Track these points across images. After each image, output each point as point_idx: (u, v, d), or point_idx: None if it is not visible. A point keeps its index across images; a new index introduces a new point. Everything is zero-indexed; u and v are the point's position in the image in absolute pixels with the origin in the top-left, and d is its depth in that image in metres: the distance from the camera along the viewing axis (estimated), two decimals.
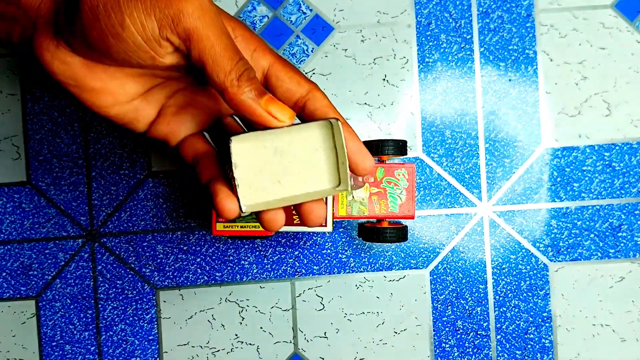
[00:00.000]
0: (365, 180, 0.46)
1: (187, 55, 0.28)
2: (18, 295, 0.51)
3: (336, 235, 0.50)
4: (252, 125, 0.33)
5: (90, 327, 0.51)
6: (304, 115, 0.33)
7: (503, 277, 0.50)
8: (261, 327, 0.51)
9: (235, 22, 0.32)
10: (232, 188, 0.31)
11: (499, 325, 0.50)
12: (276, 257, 0.51)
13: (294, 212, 0.45)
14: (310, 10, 0.51)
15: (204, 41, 0.27)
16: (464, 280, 0.50)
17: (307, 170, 0.31)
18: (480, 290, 0.50)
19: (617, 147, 0.50)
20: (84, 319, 0.51)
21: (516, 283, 0.50)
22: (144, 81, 0.32)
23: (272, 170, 0.31)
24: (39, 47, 0.30)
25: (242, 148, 0.30)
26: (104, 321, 0.51)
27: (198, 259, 0.51)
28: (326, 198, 0.45)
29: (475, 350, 0.50)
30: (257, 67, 0.32)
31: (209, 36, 0.27)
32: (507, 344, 0.50)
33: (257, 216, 0.32)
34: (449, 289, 0.50)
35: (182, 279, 0.51)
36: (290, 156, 0.31)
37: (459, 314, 0.50)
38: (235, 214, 0.31)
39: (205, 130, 0.35)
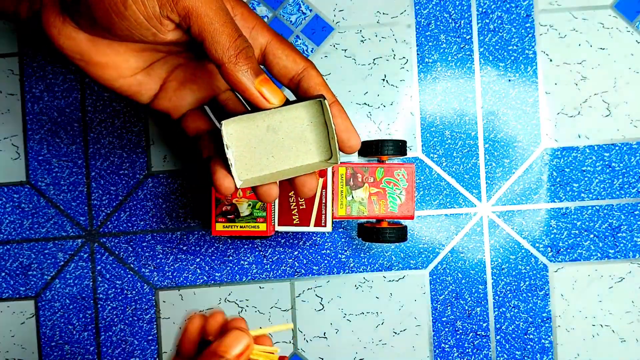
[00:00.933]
0: (365, 180, 0.46)
1: (187, 32, 0.29)
2: (17, 296, 0.51)
3: (336, 236, 0.50)
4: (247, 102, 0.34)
5: (90, 327, 0.51)
6: (299, 91, 0.34)
7: (503, 277, 0.50)
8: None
9: (235, 1, 0.32)
10: (228, 166, 0.32)
11: (498, 325, 0.50)
12: (276, 257, 0.51)
13: (293, 212, 0.45)
14: (310, 10, 0.51)
15: (203, 18, 0.28)
16: (463, 281, 0.50)
17: (299, 145, 0.33)
18: (480, 290, 0.50)
19: (616, 148, 0.50)
20: (83, 319, 0.51)
21: (516, 283, 0.50)
22: (146, 56, 0.33)
23: (265, 146, 0.32)
24: (46, 22, 0.31)
25: (234, 129, 0.31)
26: (103, 321, 0.51)
27: (197, 259, 0.51)
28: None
29: (474, 351, 0.50)
30: (255, 44, 0.33)
31: (207, 13, 0.28)
32: (507, 345, 0.50)
33: (253, 190, 0.33)
34: (449, 289, 0.50)
35: (181, 279, 0.51)
36: (282, 133, 0.32)
37: (458, 314, 0.50)
38: (231, 190, 0.33)
39: (206, 104, 0.36)
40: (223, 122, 0.30)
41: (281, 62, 0.33)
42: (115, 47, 0.32)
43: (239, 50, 0.29)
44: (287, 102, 0.31)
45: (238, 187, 0.32)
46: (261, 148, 0.32)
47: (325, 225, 0.45)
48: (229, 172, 0.32)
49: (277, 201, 0.45)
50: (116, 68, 0.33)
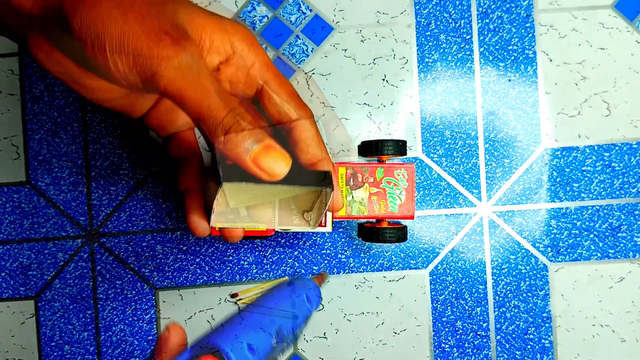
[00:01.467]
0: (365, 180, 0.46)
1: None
2: (17, 296, 0.51)
3: (336, 236, 0.50)
4: None
5: (90, 327, 0.51)
6: (289, 139, 0.32)
7: (503, 277, 0.50)
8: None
9: (236, 35, 0.30)
10: (207, 206, 0.32)
11: (498, 325, 0.50)
12: (275, 257, 0.51)
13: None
14: (310, 10, 0.51)
15: (186, 101, 0.26)
16: (463, 281, 0.50)
17: (281, 205, 0.33)
18: (480, 290, 0.50)
19: (616, 148, 0.50)
20: (83, 319, 0.51)
21: (516, 283, 0.50)
22: None
23: (247, 202, 0.32)
24: (33, 46, 0.29)
25: (228, 187, 0.29)
26: (103, 321, 0.51)
27: (197, 259, 0.51)
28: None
29: (475, 351, 0.50)
30: (252, 83, 0.31)
31: (190, 97, 0.26)
32: (507, 345, 0.50)
33: (219, 228, 0.33)
34: (449, 289, 0.50)
35: (181, 279, 0.51)
36: (270, 199, 0.32)
37: (458, 314, 0.50)
38: (206, 234, 0.32)
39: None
40: (224, 184, 0.28)
41: (275, 107, 0.31)
42: None
43: (227, 129, 0.26)
44: (292, 173, 0.29)
45: (211, 225, 0.32)
46: (244, 204, 0.32)
47: (325, 225, 0.45)
48: (206, 214, 0.31)
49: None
50: (109, 91, 0.31)
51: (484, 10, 0.50)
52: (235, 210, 0.32)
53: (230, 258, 0.51)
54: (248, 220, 0.32)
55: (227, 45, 0.30)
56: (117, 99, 0.32)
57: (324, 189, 0.30)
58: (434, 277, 0.50)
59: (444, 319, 0.50)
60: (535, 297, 0.50)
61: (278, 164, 0.27)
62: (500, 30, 0.50)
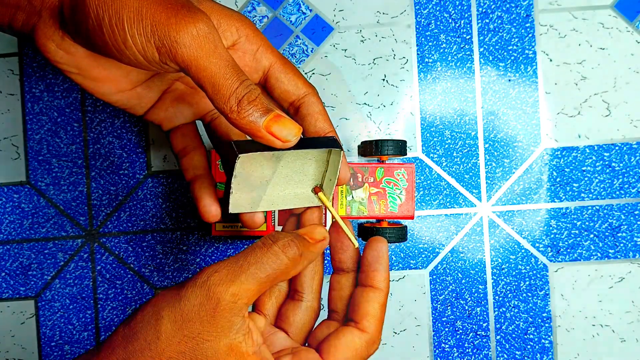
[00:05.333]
0: (365, 180, 0.46)
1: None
2: (17, 296, 0.51)
3: None
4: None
5: (90, 327, 0.51)
6: (297, 116, 0.33)
7: (503, 277, 0.50)
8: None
9: (240, 22, 0.32)
10: (226, 190, 0.32)
11: (498, 325, 0.50)
12: None
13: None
14: (310, 10, 0.51)
15: (201, 71, 0.27)
16: (463, 281, 0.50)
17: (296, 175, 0.33)
18: (480, 290, 0.50)
19: (616, 148, 0.50)
20: (83, 319, 0.51)
21: (516, 283, 0.50)
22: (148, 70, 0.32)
23: (265, 177, 0.32)
24: (42, 36, 0.29)
25: (244, 161, 0.30)
26: (103, 321, 0.51)
27: (197, 259, 0.51)
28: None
29: (474, 351, 0.50)
30: (258, 66, 0.32)
31: (206, 66, 0.27)
32: (507, 345, 0.50)
33: (238, 216, 0.33)
34: (449, 289, 0.50)
35: (181, 279, 0.51)
36: (286, 166, 0.32)
37: (458, 314, 0.50)
38: (218, 218, 0.33)
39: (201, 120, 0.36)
40: (240, 155, 0.29)
41: (283, 85, 0.32)
42: (116, 61, 0.30)
43: (241, 98, 0.27)
44: (302, 141, 0.30)
45: (228, 213, 0.32)
46: (259, 179, 0.32)
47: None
48: (224, 198, 0.31)
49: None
50: (115, 82, 0.32)
51: (483, 10, 0.50)
52: (252, 187, 0.32)
53: None
54: (266, 204, 0.33)
55: (233, 30, 0.31)
56: (122, 91, 0.32)
57: (334, 149, 0.31)
58: (434, 277, 0.50)
59: (444, 319, 0.50)
60: (535, 297, 0.50)
61: (290, 130, 0.28)
62: (500, 30, 0.50)
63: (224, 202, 0.32)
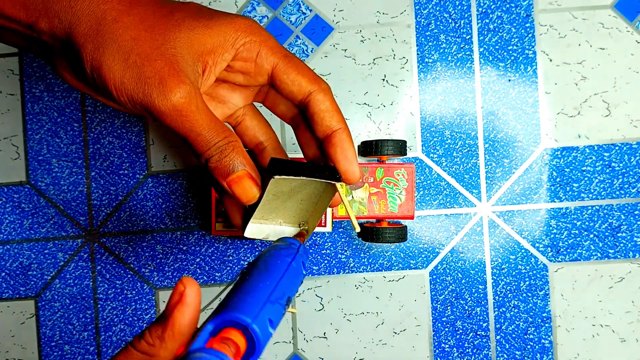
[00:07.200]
0: (365, 180, 0.46)
1: None
2: (17, 296, 0.51)
3: (336, 236, 0.50)
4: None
5: (90, 327, 0.51)
6: (307, 115, 0.33)
7: (502, 277, 0.50)
8: None
9: (236, 31, 0.32)
10: (246, 213, 0.35)
11: (498, 325, 0.50)
12: None
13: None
14: (310, 10, 0.51)
15: (179, 132, 0.30)
16: (463, 281, 0.50)
17: (296, 209, 0.35)
18: (480, 290, 0.50)
19: (616, 148, 0.50)
20: (83, 319, 0.51)
21: (516, 283, 0.50)
22: None
23: (280, 201, 0.34)
24: (58, 65, 0.31)
25: (274, 182, 0.32)
26: (103, 321, 0.51)
27: (197, 259, 0.51)
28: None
29: (474, 351, 0.50)
30: (261, 71, 0.33)
31: (181, 131, 0.30)
32: (507, 345, 0.50)
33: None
34: (449, 289, 0.50)
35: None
36: (300, 194, 0.35)
37: (458, 314, 0.50)
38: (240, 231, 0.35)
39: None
40: (275, 176, 0.31)
41: (287, 87, 0.33)
42: None
43: (209, 157, 0.31)
44: (312, 167, 0.32)
45: (243, 233, 0.34)
46: (278, 201, 0.34)
47: (325, 226, 0.45)
48: (244, 219, 0.34)
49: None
50: None
51: (483, 10, 0.50)
52: (268, 208, 0.35)
53: (230, 258, 0.51)
54: (276, 228, 0.36)
55: (230, 44, 0.31)
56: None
57: (334, 182, 0.33)
58: (434, 277, 0.50)
59: (444, 319, 0.50)
60: (535, 297, 0.50)
61: (247, 192, 0.31)
62: (500, 30, 0.50)
63: (243, 221, 0.35)
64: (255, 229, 0.35)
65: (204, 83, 0.32)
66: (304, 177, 0.31)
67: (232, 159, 0.31)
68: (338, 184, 0.32)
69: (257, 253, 0.51)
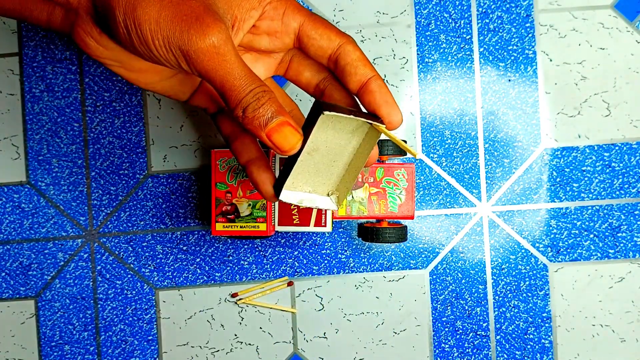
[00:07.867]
0: (365, 180, 0.46)
1: None
2: (17, 296, 0.51)
3: (336, 236, 0.50)
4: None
5: (90, 327, 0.51)
6: (337, 70, 0.33)
7: (502, 277, 0.50)
8: (261, 328, 0.51)
9: None
10: (281, 172, 0.32)
11: (498, 325, 0.50)
12: (275, 257, 0.51)
13: (293, 212, 0.45)
14: (310, 10, 0.51)
15: (212, 81, 0.29)
16: (463, 281, 0.50)
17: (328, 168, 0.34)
18: (480, 290, 0.50)
19: (616, 148, 0.50)
20: (83, 319, 0.51)
21: (516, 283, 0.50)
22: None
23: (309, 165, 0.33)
24: (81, 32, 0.30)
25: (321, 123, 0.31)
26: (103, 321, 0.51)
27: (197, 259, 0.51)
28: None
29: (474, 351, 0.50)
30: (288, 29, 0.33)
31: (215, 78, 0.29)
32: (507, 344, 0.50)
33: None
34: (449, 289, 0.50)
35: (181, 279, 0.51)
36: (330, 155, 0.33)
37: (458, 314, 0.50)
38: (274, 198, 0.33)
39: None
40: (325, 112, 0.30)
41: (316, 42, 0.32)
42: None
43: (246, 106, 0.29)
44: (355, 112, 0.31)
45: (278, 198, 0.32)
46: (310, 163, 0.33)
47: (325, 225, 0.45)
48: (280, 178, 0.32)
49: (277, 202, 0.45)
50: (157, 71, 0.33)
51: (483, 10, 0.50)
52: (311, 169, 0.33)
53: (230, 258, 0.51)
54: (309, 196, 0.34)
55: (257, 1, 0.32)
56: (165, 79, 0.33)
57: (377, 124, 0.32)
58: (434, 277, 0.50)
59: (444, 319, 0.50)
60: (535, 297, 0.50)
61: (288, 140, 0.29)
62: (500, 30, 0.50)
63: (276, 186, 0.33)
64: (290, 194, 0.33)
65: (233, 38, 0.31)
66: (352, 116, 0.30)
67: (269, 107, 0.29)
68: (383, 126, 0.31)
69: (257, 253, 0.51)
